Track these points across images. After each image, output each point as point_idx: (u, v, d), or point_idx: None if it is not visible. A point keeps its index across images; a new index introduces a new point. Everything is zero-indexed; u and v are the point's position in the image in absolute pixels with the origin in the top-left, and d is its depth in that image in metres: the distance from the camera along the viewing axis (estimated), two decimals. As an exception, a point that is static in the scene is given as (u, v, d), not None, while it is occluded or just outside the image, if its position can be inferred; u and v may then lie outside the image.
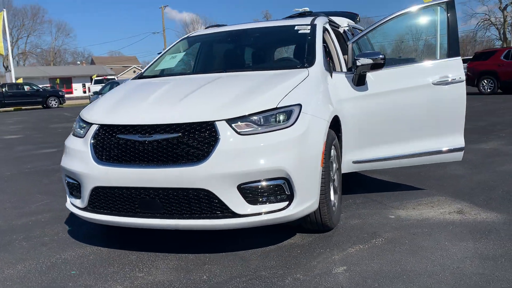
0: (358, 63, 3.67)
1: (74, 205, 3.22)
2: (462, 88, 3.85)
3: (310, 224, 3.21)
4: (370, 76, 3.85)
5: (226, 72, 3.75)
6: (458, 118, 3.89)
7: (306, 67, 3.54)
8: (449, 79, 3.82)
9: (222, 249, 3.09)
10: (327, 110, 3.21)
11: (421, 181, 4.67)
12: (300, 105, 2.97)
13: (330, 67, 3.93)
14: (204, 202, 2.76)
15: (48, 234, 3.63)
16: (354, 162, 3.92)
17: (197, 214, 2.80)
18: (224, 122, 2.77)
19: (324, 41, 4.59)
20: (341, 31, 5.13)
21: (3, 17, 30.73)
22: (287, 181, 2.79)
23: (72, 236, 3.53)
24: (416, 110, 3.87)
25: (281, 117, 2.87)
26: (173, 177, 2.74)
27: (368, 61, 3.66)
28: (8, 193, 5.11)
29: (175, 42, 4.64)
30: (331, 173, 3.36)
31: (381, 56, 3.65)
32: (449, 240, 3.03)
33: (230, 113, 2.81)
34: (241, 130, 2.77)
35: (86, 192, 3.02)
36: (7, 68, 36.78)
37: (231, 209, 2.75)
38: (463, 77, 3.83)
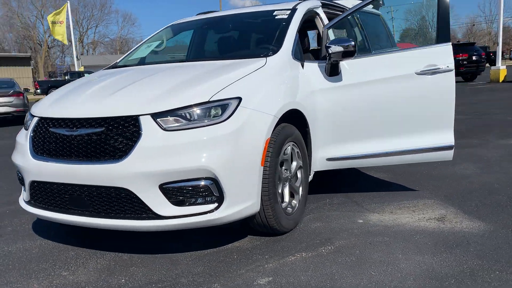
0: (330, 51, 3.33)
1: (23, 199, 3.19)
2: (450, 78, 3.40)
3: (258, 227, 2.97)
4: (345, 65, 3.49)
5: (186, 62, 3.56)
6: (446, 113, 3.45)
7: (267, 56, 3.26)
8: (436, 68, 3.38)
9: (161, 249, 2.94)
10: (277, 103, 2.92)
11: (418, 180, 4.23)
12: (239, 99, 2.71)
13: (303, 55, 3.61)
14: (126, 202, 2.61)
15: (13, 225, 3.65)
16: (329, 160, 3.60)
17: (122, 214, 2.65)
18: (149, 116, 2.58)
19: (316, 27, 4.27)
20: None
21: (67, 8, 32.33)
22: (215, 181, 2.56)
23: (33, 229, 3.53)
24: (396, 104, 3.47)
25: (213, 112, 2.64)
26: (95, 175, 2.61)
27: (339, 48, 3.31)
28: None
29: (158, 30, 4.49)
30: (286, 172, 3.08)
31: (351, 43, 3.29)
32: (405, 253, 2.67)
33: (156, 107, 2.61)
34: (167, 126, 2.57)
35: (27, 186, 2.97)
36: (77, 57, 38.80)
37: (153, 210, 2.57)
38: (452, 66, 3.37)
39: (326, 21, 4.05)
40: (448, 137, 3.48)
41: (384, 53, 3.61)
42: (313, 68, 3.50)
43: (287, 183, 3.12)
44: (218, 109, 2.65)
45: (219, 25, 4.32)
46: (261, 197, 2.81)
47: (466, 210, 3.35)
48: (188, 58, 3.66)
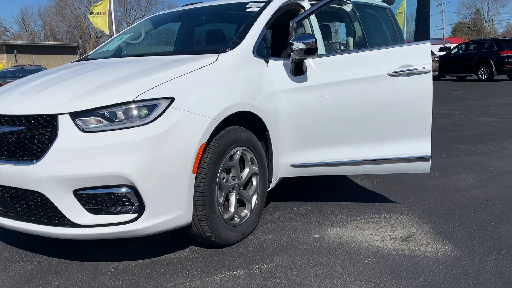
0: (293, 48, 3.03)
1: None
2: (427, 80, 3.02)
3: (197, 238, 2.75)
4: (311, 64, 3.17)
5: (139, 56, 3.35)
6: (422, 119, 3.07)
7: (221, 52, 3.00)
8: (411, 69, 3.01)
9: (94, 256, 2.77)
10: (218, 105, 2.66)
11: (403, 191, 3.85)
12: (171, 99, 2.48)
13: (269, 52, 3.32)
14: (42, 207, 2.45)
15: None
16: (293, 166, 3.31)
17: (41, 219, 2.50)
18: (68, 116, 2.39)
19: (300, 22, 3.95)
20: (349, 9, 4.43)
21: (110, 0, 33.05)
22: (134, 189, 2.35)
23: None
24: (366, 108, 3.12)
25: (138, 113, 2.41)
26: (13, 176, 2.46)
27: (301, 45, 3.00)
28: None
29: (137, 22, 4.32)
30: (233, 180, 2.83)
31: (312, 39, 2.98)
32: (345, 279, 2.37)
33: (76, 106, 2.42)
34: (86, 127, 2.38)
35: None
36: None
37: (67, 217, 2.40)
38: (429, 67, 2.99)
39: (312, 14, 3.73)
40: (424, 147, 3.10)
41: (355, 51, 3.25)
42: (278, 67, 3.20)
43: (234, 191, 2.86)
44: (144, 110, 2.42)
45: (189, 18, 4.09)
46: (195, 207, 2.58)
47: (440, 230, 2.98)
48: (145, 53, 3.46)
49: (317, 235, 2.98)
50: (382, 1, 5.48)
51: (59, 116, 2.40)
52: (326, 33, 4.82)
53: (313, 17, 3.74)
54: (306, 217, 3.33)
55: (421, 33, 3.03)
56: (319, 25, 3.73)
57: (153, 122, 2.40)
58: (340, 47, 4.89)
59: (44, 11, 60.66)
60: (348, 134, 3.19)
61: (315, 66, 3.16)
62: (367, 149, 3.18)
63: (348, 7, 4.54)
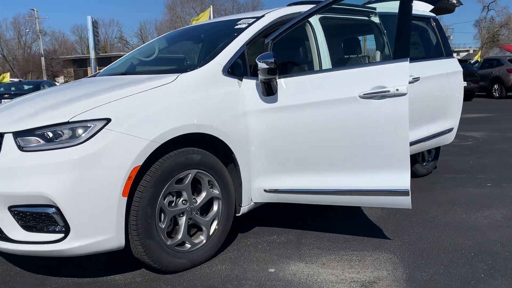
0: (258, 67, 2.86)
1: None
2: (402, 104, 2.64)
3: (140, 262, 2.69)
4: (283, 84, 2.95)
5: (117, 75, 3.39)
6: (398, 148, 2.69)
7: (183, 72, 2.92)
8: (385, 91, 2.65)
9: (40, 269, 2.85)
10: (160, 127, 2.57)
11: (409, 225, 3.41)
12: (107, 120, 2.46)
13: (247, 70, 3.15)
14: None
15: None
16: (266, 191, 3.10)
17: None
18: (11, 135, 2.49)
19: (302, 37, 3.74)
20: (377, 21, 4.12)
21: (210, 12, 34.64)
22: (59, 210, 2.37)
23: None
24: (337, 133, 2.82)
25: (71, 133, 2.43)
26: None
27: (263, 65, 2.81)
28: None
29: (153, 39, 4.41)
30: (183, 204, 2.73)
31: (272, 60, 2.77)
32: (260, 325, 2.13)
33: (20, 125, 2.51)
34: (25, 146, 2.45)
35: None
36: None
37: (4, 232, 2.49)
38: (404, 89, 2.60)
39: (320, 30, 3.50)
40: (401, 179, 2.71)
41: (328, 70, 2.95)
42: (251, 86, 3.03)
43: (184, 216, 2.76)
44: (78, 131, 2.43)
45: (182, 37, 4.07)
46: (130, 231, 2.53)
47: (414, 278, 2.56)
48: (125, 72, 3.49)
49: (273, 270, 2.74)
50: (430, 11, 5.01)
51: (5, 134, 2.51)
52: (351, 47, 4.52)
53: (318, 30, 3.50)
54: (278, 247, 3.09)
55: (401, 50, 2.66)
56: (327, 39, 3.49)
57: (84, 143, 2.40)
58: (368, 61, 4.53)
59: (160, 24, 65.28)
60: (320, 161, 2.91)
61: (285, 86, 2.94)
62: (340, 178, 2.87)
63: (376, 19, 4.19)
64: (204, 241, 2.86)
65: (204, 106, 2.83)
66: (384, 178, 2.75)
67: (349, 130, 2.78)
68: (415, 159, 4.75)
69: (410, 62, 4.28)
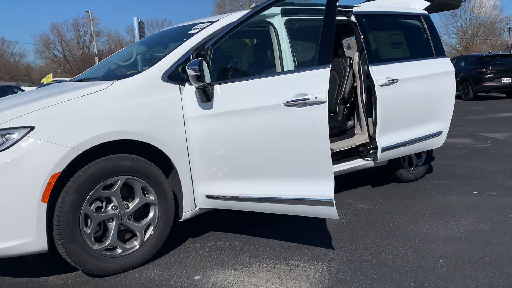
0: (188, 74, 2.86)
1: None
2: (321, 112, 2.55)
3: (73, 264, 2.78)
4: (218, 90, 2.93)
5: (86, 81, 3.48)
6: (320, 156, 2.60)
7: (119, 79, 2.97)
8: (304, 99, 2.57)
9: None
10: (85, 134, 2.63)
11: (364, 235, 3.28)
12: (30, 128, 2.56)
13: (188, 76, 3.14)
14: None
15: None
16: (208, 197, 3.10)
17: None
18: None
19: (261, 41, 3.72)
20: (354, 20, 4.02)
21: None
22: None
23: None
24: (266, 141, 2.77)
25: None
26: None
27: (191, 72, 2.81)
28: None
29: (132, 44, 4.51)
30: (113, 209, 2.79)
31: (195, 67, 2.75)
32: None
33: None
34: None
35: None
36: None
37: None
38: (322, 97, 2.51)
39: (285, 33, 3.46)
40: (325, 189, 2.62)
41: (259, 77, 2.88)
42: (192, 92, 3.03)
43: (114, 222, 2.81)
44: (2, 138, 2.55)
45: (153, 42, 4.11)
46: (54, 235, 2.62)
47: (332, 292, 2.48)
48: (85, 78, 3.59)
49: (198, 277, 2.75)
50: (430, 8, 4.77)
51: None
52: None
53: (283, 35, 3.46)
54: (218, 253, 3.09)
55: (323, 56, 2.57)
56: (290, 43, 3.45)
57: (6, 150, 2.50)
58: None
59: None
60: (251, 169, 2.88)
61: (220, 93, 2.92)
62: (269, 186, 2.83)
63: (358, 19, 4.05)
64: (138, 247, 2.91)
65: (137, 112, 2.86)
66: (309, 187, 2.68)
67: (275, 138, 2.73)
68: (399, 163, 4.56)
69: (389, 63, 4.18)
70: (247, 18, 2.98)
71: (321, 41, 2.60)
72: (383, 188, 4.52)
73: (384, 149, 4.01)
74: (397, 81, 4.06)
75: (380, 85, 3.95)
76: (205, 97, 2.93)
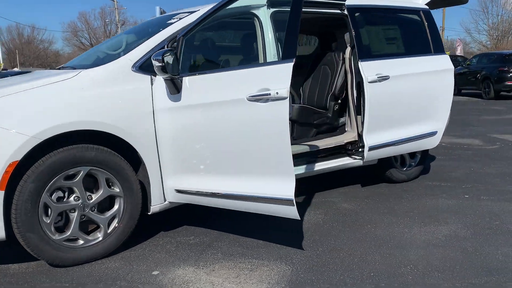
0: (154, 65, 2.80)
1: None
2: (282, 108, 2.44)
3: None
4: (186, 82, 2.86)
5: (65, 69, 3.45)
6: (281, 154, 2.50)
7: (87, 68, 2.93)
8: (266, 94, 2.47)
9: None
10: (45, 123, 2.60)
11: (338, 235, 3.18)
12: None
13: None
14: None
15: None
16: (178, 191, 3.04)
17: None
18: None
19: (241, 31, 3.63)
20: (345, 13, 3.89)
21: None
22: None
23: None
24: (229, 136, 2.70)
25: None
26: None
27: (156, 63, 2.74)
28: None
29: (120, 33, 4.47)
30: (75, 200, 2.76)
31: (159, 57, 2.68)
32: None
33: None
34: None
35: None
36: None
37: None
38: (283, 93, 2.40)
39: (270, 25, 3.37)
40: (285, 188, 2.53)
41: (226, 70, 2.79)
42: (163, 84, 2.97)
43: (76, 212, 2.79)
44: None
45: (136, 31, 4.05)
46: (12, 224, 2.61)
47: (287, 294, 2.40)
48: (68, 66, 3.58)
49: (157, 272, 2.70)
50: (431, 3, 4.58)
51: None
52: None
53: (268, 28, 3.37)
54: (185, 248, 3.03)
55: (288, 51, 2.46)
56: (275, 36, 3.35)
57: None
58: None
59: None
60: (217, 164, 2.81)
61: (189, 85, 2.85)
62: (234, 182, 2.75)
63: (350, 12, 3.92)
64: (101, 239, 2.88)
65: (103, 102, 2.82)
66: (270, 186, 2.59)
67: (239, 134, 2.65)
68: (390, 163, 4.41)
69: (382, 59, 4.02)
70: (217, 9, 2.89)
71: (286, 36, 2.50)
72: (373, 188, 4.38)
73: (371, 148, 3.88)
74: (388, 78, 3.91)
75: (369, 82, 3.81)
76: (174, 88, 2.87)
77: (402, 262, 2.74)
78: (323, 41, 4.64)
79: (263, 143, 2.55)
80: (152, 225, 3.43)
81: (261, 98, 2.52)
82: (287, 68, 2.45)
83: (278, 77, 2.48)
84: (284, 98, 2.42)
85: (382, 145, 3.98)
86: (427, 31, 4.43)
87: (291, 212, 2.57)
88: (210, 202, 2.96)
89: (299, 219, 2.62)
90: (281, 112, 2.44)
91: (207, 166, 2.86)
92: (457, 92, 15.85)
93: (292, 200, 2.52)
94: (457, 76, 14.12)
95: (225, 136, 2.71)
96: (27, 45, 59.80)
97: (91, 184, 2.86)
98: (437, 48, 4.44)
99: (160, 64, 2.70)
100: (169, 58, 2.68)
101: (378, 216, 3.57)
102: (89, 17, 61.50)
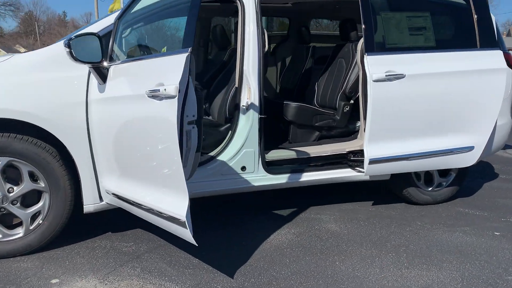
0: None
1: None
2: (170, 109, 1.98)
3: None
4: (111, 72, 2.52)
5: None
6: (170, 165, 2.06)
7: (22, 52, 2.74)
8: (159, 91, 2.02)
9: None
10: None
11: (298, 256, 2.64)
12: None
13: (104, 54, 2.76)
14: None
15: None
16: (110, 194, 2.74)
17: None
18: None
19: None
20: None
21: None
22: None
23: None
24: (134, 137, 2.32)
25: None
26: None
27: (66, 49, 2.44)
28: None
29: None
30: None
31: (66, 42, 2.36)
32: None
33: None
34: None
35: None
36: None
37: None
38: (172, 90, 1.92)
39: (251, 12, 2.96)
40: (177, 206, 2.07)
41: (142, 58, 2.35)
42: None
43: (-4, 206, 2.63)
44: None
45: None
46: None
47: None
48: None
49: (56, 281, 2.44)
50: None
51: None
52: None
53: (251, 16, 2.95)
54: (108, 257, 2.73)
55: (186, 40, 1.98)
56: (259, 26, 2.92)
57: None
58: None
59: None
60: (123, 167, 2.44)
61: (112, 75, 2.51)
62: (134, 189, 2.39)
63: None
64: (21, 234, 2.70)
65: (26, 90, 2.60)
66: (167, 199, 2.16)
67: (140, 135, 2.25)
68: (407, 180, 3.62)
69: (397, 53, 3.29)
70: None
71: (186, 22, 2.01)
72: (383, 208, 3.65)
73: (373, 161, 3.19)
74: (403, 77, 3.17)
75: (374, 80, 3.11)
76: (100, 78, 2.55)
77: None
78: (343, 29, 3.96)
79: (155, 149, 2.12)
80: (104, 224, 3.19)
81: (156, 94, 2.08)
82: (179, 59, 1.97)
83: (170, 70, 2.02)
84: (172, 97, 1.96)
85: (389, 159, 3.26)
86: (474, 18, 3.52)
87: (185, 234, 2.11)
88: (131, 211, 2.61)
89: (196, 244, 2.14)
90: (167, 113, 1.98)
91: (118, 167, 2.52)
92: None
93: (184, 222, 2.06)
94: None
95: (131, 137, 2.34)
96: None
97: (18, 176, 2.68)
98: (486, 41, 3.50)
99: (67, 49, 2.39)
100: (73, 43, 2.35)
101: (358, 246, 2.91)
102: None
